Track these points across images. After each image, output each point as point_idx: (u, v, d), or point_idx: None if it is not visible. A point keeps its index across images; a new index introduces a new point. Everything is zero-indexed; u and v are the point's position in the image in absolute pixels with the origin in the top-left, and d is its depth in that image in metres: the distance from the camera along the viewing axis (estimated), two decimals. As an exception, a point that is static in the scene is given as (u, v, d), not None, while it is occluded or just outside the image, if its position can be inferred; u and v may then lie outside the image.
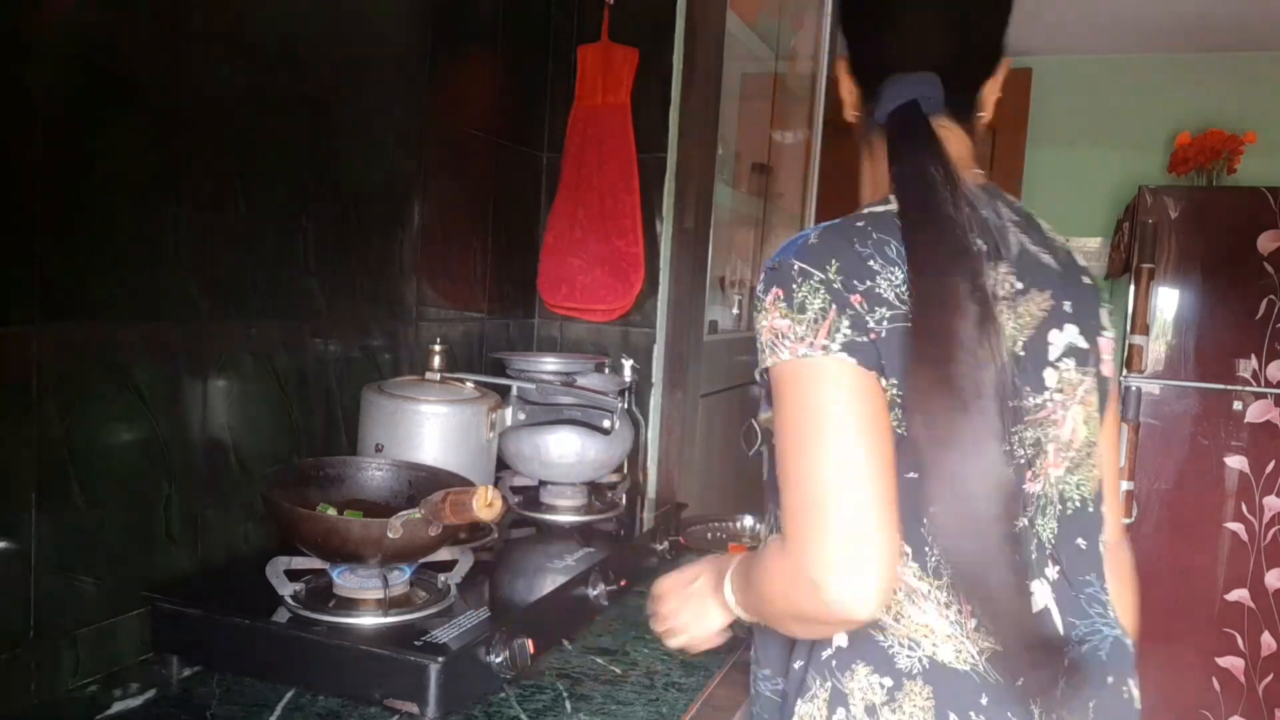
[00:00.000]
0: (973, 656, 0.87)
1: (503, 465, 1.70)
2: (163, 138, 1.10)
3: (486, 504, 1.04)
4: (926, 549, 0.87)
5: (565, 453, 1.61)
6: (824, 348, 0.84)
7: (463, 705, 1.04)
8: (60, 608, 1.03)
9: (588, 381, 1.65)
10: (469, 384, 1.42)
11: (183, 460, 1.16)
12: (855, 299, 0.86)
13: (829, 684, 0.90)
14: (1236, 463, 3.02)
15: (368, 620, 1.08)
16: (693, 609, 1.02)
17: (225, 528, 1.24)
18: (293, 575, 1.15)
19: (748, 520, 1.91)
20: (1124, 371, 3.07)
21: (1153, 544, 3.09)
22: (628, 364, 1.82)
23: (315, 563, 1.16)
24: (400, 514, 1.07)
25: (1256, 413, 3.00)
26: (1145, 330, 3.04)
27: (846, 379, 0.83)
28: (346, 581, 1.14)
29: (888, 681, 0.87)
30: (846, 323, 0.85)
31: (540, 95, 1.93)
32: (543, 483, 1.67)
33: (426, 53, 1.57)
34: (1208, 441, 3.04)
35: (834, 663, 0.90)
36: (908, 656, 0.88)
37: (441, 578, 1.20)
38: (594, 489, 1.72)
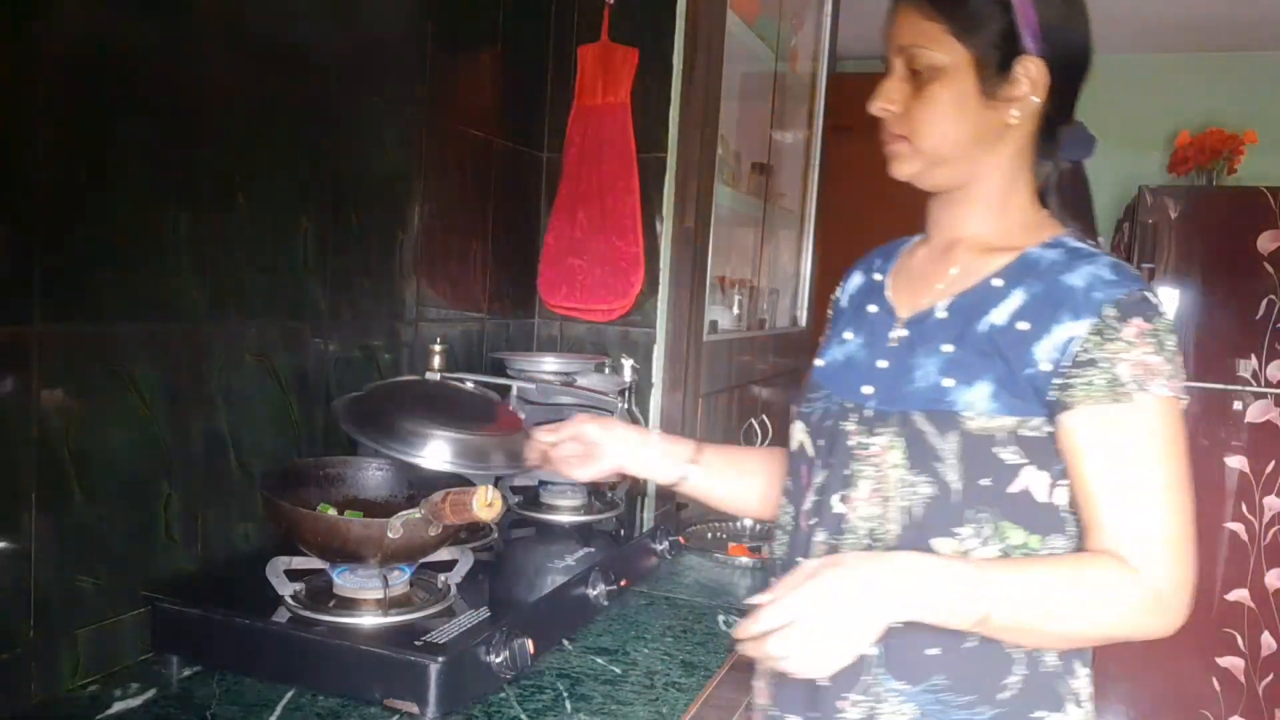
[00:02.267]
0: None
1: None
2: (163, 138, 1.10)
3: (486, 504, 1.04)
4: None
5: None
6: (1182, 391, 0.91)
7: (463, 705, 1.04)
8: (60, 608, 1.03)
9: (588, 381, 1.65)
10: (469, 384, 1.42)
11: (183, 460, 1.16)
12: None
13: (1065, 689, 0.94)
14: (1236, 463, 3.02)
15: (368, 620, 1.08)
16: (853, 622, 0.84)
17: (225, 528, 1.24)
18: (293, 575, 1.15)
19: (747, 520, 1.91)
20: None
21: (1153, 544, 3.09)
22: (628, 364, 1.82)
23: (315, 563, 1.16)
24: (400, 514, 1.07)
25: (1256, 413, 3.00)
26: (1145, 330, 3.03)
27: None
28: (346, 581, 1.14)
29: (1089, 670, 0.96)
30: (1180, 361, 0.91)
31: (540, 95, 1.93)
32: (543, 483, 1.67)
33: (426, 53, 1.57)
34: (1208, 441, 3.04)
35: (1058, 664, 0.93)
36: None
37: (441, 578, 1.20)
38: (594, 489, 1.72)
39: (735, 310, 2.35)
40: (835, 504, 0.98)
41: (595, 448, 1.19)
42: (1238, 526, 3.02)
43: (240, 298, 1.24)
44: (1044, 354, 0.91)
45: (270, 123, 1.26)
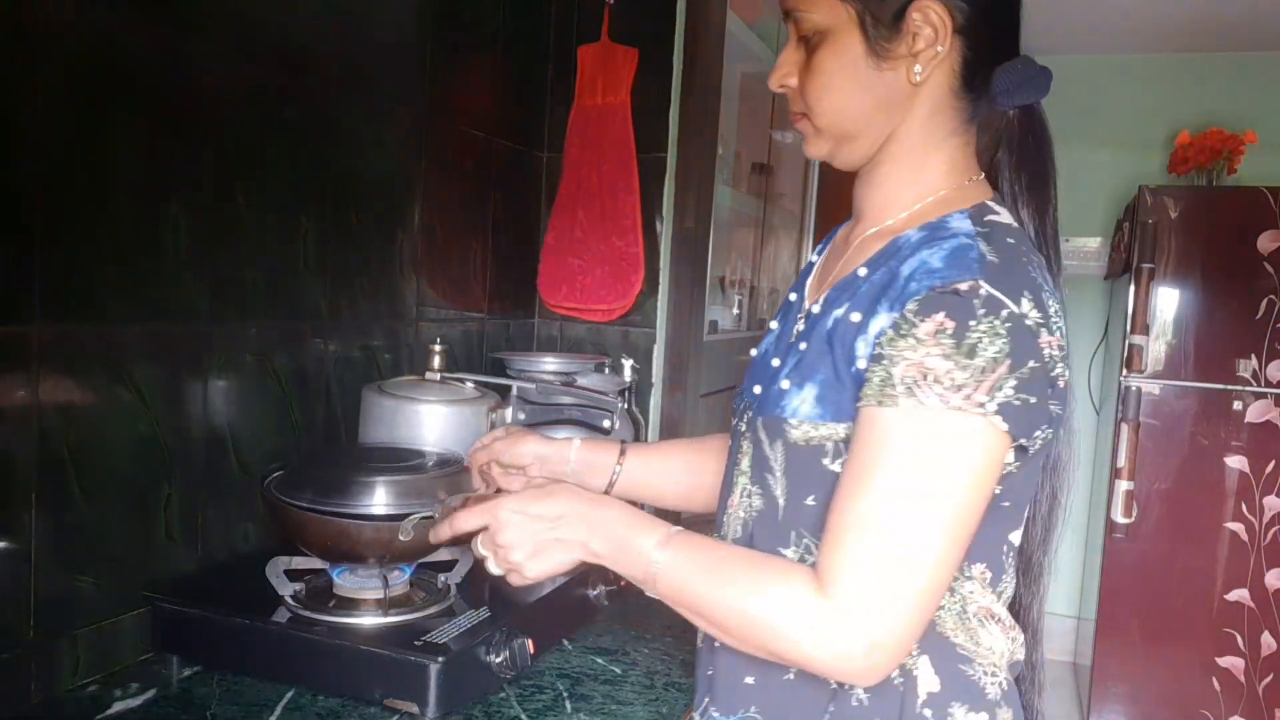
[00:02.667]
0: (1010, 667, 0.87)
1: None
2: (163, 137, 1.10)
3: None
4: (1004, 575, 0.85)
5: (565, 453, 1.60)
6: (980, 405, 0.72)
7: (463, 705, 1.04)
8: (60, 608, 1.03)
9: (587, 381, 1.65)
10: (469, 384, 1.42)
11: (183, 460, 1.16)
12: (1045, 343, 0.75)
13: None
14: (1236, 463, 3.02)
15: (368, 620, 1.08)
16: (551, 552, 0.85)
17: (225, 528, 1.24)
18: (293, 575, 1.15)
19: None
20: (1124, 371, 3.07)
21: (1153, 544, 3.09)
22: (628, 364, 1.82)
23: (315, 563, 1.17)
24: (412, 516, 1.06)
25: (1256, 413, 3.00)
26: (1145, 330, 3.04)
27: (991, 449, 0.73)
28: (346, 581, 1.14)
29: (984, 716, 0.81)
30: (1014, 381, 0.72)
31: (540, 95, 1.93)
32: (543, 483, 1.67)
33: (426, 53, 1.57)
34: (1208, 441, 3.04)
35: (928, 712, 0.80)
36: (992, 683, 0.83)
37: (441, 578, 1.20)
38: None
39: (735, 310, 2.35)
40: (725, 506, 0.94)
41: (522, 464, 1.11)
42: (1238, 526, 3.03)
43: (240, 298, 1.24)
44: (862, 349, 0.79)
45: (270, 123, 1.26)
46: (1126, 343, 3.06)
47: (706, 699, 0.92)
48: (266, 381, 1.29)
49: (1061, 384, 0.77)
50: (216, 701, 1.02)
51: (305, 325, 1.36)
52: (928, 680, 0.81)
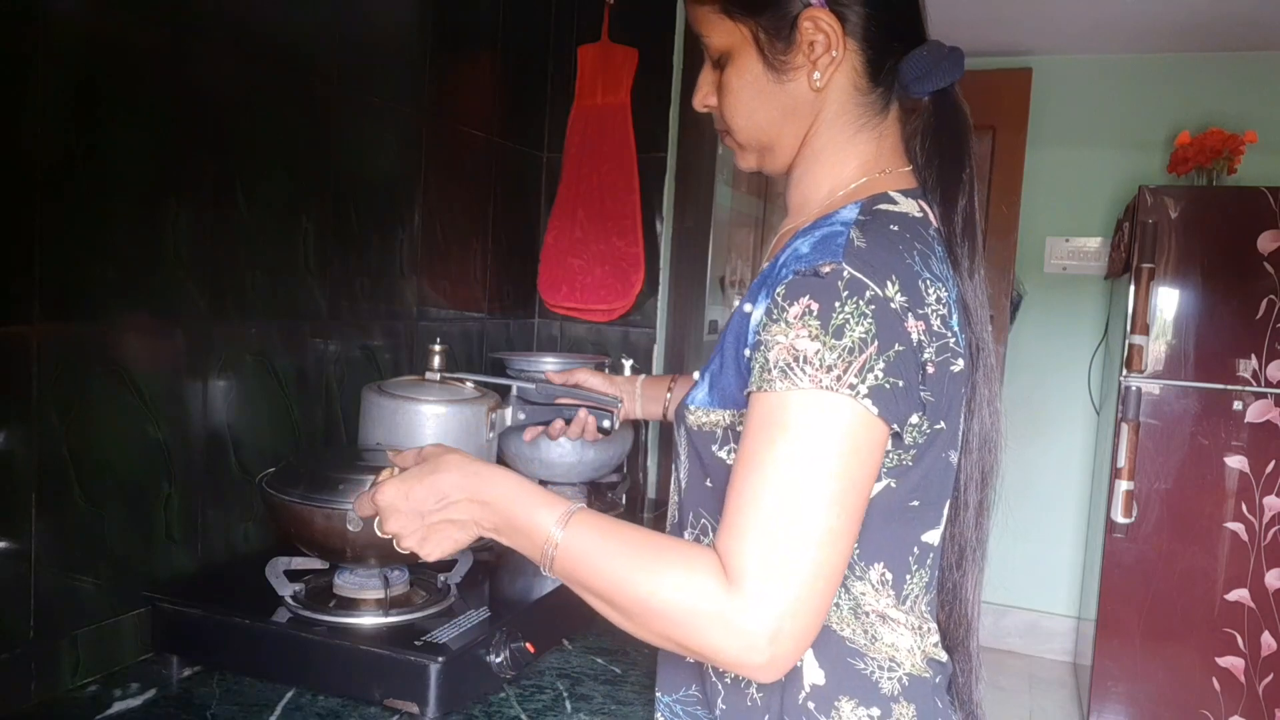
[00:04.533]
0: (925, 664, 0.85)
1: (500, 463, 1.70)
2: (163, 137, 1.10)
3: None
4: (908, 576, 0.83)
5: (565, 453, 1.61)
6: (851, 387, 0.72)
7: (463, 705, 1.04)
8: (60, 608, 1.03)
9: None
10: (469, 384, 1.42)
11: (183, 460, 1.16)
12: (912, 328, 0.75)
13: None
14: (1236, 463, 3.02)
15: (368, 620, 1.08)
16: (445, 533, 0.84)
17: (225, 528, 1.24)
18: (293, 575, 1.15)
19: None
20: (1124, 371, 3.07)
21: (1153, 544, 3.09)
22: (628, 364, 1.82)
23: (315, 563, 1.17)
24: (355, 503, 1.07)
25: (1256, 413, 3.00)
26: (1145, 330, 3.04)
27: (864, 431, 0.73)
28: (346, 581, 1.14)
29: (875, 712, 0.81)
30: (882, 364, 0.73)
31: (540, 95, 1.93)
32: (543, 482, 1.67)
33: (426, 53, 1.57)
34: (1208, 441, 3.04)
35: (812, 705, 0.81)
36: (889, 679, 0.82)
37: (441, 578, 1.20)
38: (594, 489, 1.72)
39: (735, 310, 2.35)
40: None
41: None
42: (1238, 526, 3.03)
43: (240, 298, 1.24)
44: (748, 339, 0.81)
45: (271, 123, 1.26)
46: (1126, 343, 3.06)
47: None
48: (266, 381, 1.29)
49: (934, 369, 0.77)
50: (216, 701, 1.02)
51: (305, 325, 1.36)
52: (812, 673, 0.81)
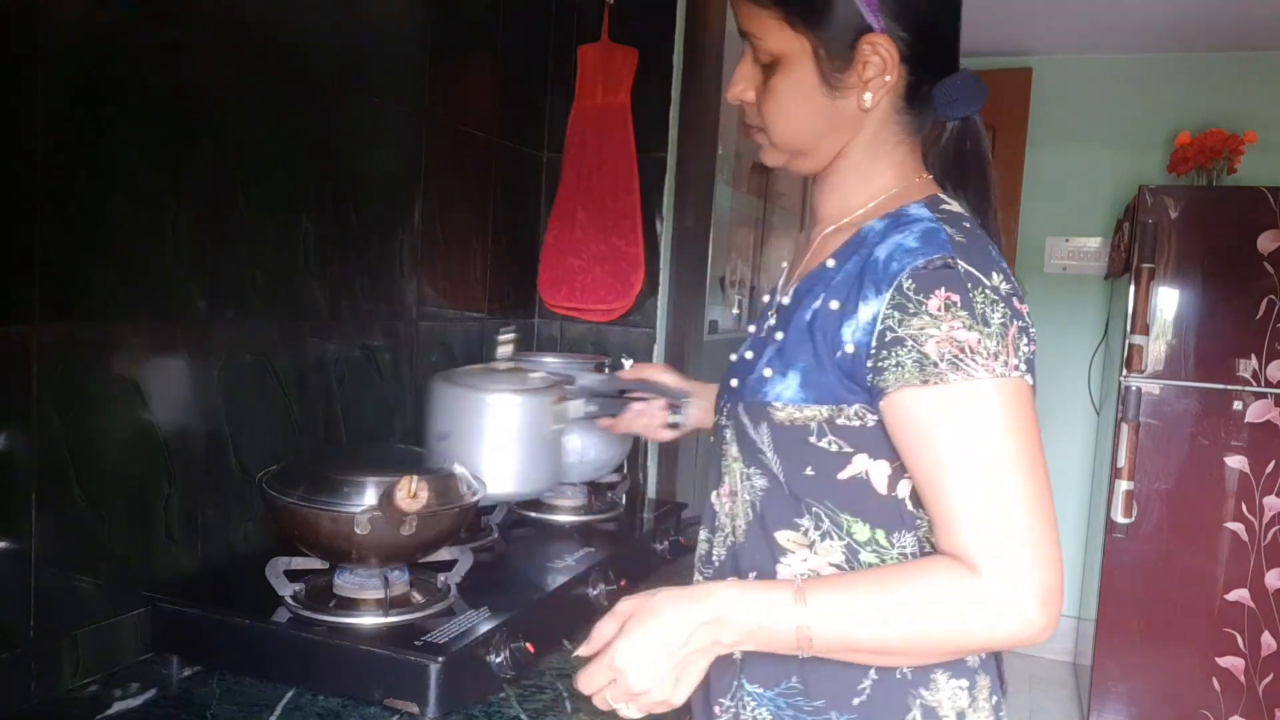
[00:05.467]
0: None
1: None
2: (163, 137, 1.10)
3: (410, 495, 1.05)
4: None
5: (565, 453, 1.61)
6: (1016, 368, 0.78)
7: (463, 705, 1.04)
8: (60, 608, 1.03)
9: (587, 381, 1.65)
10: (538, 373, 1.41)
11: (183, 460, 1.16)
12: (1022, 310, 0.81)
13: (916, 701, 0.85)
14: (1236, 463, 3.02)
15: (368, 620, 1.08)
16: (693, 667, 0.82)
17: (225, 528, 1.24)
18: (293, 575, 1.15)
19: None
20: (1124, 371, 3.07)
21: (1153, 544, 3.09)
22: (628, 364, 1.82)
23: (315, 563, 1.16)
24: (367, 508, 1.08)
25: (1256, 413, 3.00)
26: (1145, 330, 3.04)
27: (1030, 403, 0.79)
28: (346, 581, 1.14)
29: (964, 683, 0.86)
30: (1024, 340, 0.80)
31: (540, 95, 1.93)
32: (543, 483, 1.67)
33: (426, 53, 1.57)
34: (1208, 441, 3.04)
35: (910, 675, 0.85)
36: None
37: (441, 578, 1.20)
38: (594, 489, 1.72)
39: (735, 310, 2.35)
40: (712, 499, 0.99)
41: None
42: (1238, 526, 3.02)
43: (240, 298, 1.23)
44: (850, 335, 0.82)
45: (270, 122, 1.26)
46: (1126, 343, 3.06)
47: (735, 680, 0.91)
48: (266, 381, 1.29)
49: (1034, 349, 0.83)
50: (216, 701, 1.02)
51: (305, 325, 1.36)
52: None
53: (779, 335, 0.90)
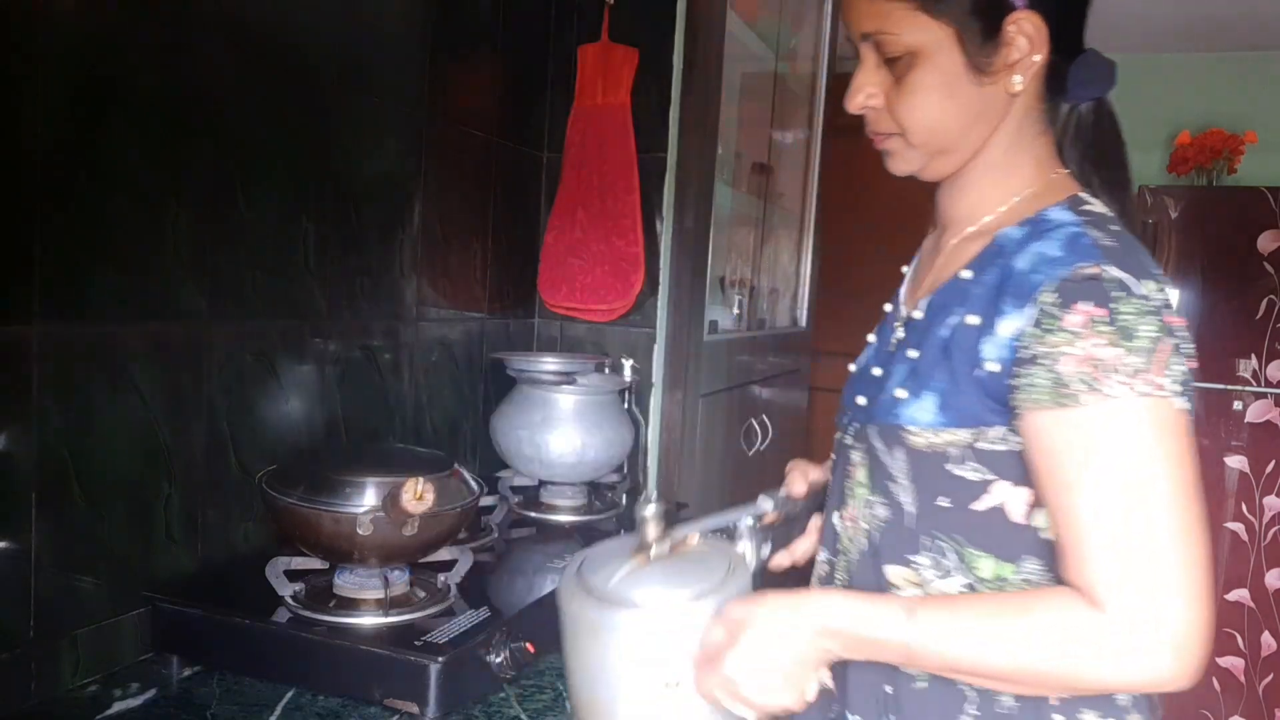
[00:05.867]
0: None
1: (502, 465, 1.70)
2: (163, 138, 1.10)
3: (416, 497, 1.05)
4: None
5: (565, 453, 1.61)
6: (1159, 388, 0.72)
7: (463, 705, 1.04)
8: (60, 608, 1.03)
9: (587, 381, 1.65)
10: (695, 538, 0.93)
11: (183, 460, 1.16)
12: (1174, 321, 0.74)
13: None
14: (1236, 463, 3.02)
15: (368, 620, 1.08)
16: (802, 678, 0.80)
17: (225, 528, 1.24)
18: (293, 575, 1.15)
19: (747, 520, 1.90)
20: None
21: (1153, 544, 3.09)
22: (628, 364, 1.82)
23: (315, 563, 1.17)
24: (369, 509, 1.08)
25: (1256, 413, 3.00)
26: (1145, 330, 3.03)
27: (1178, 426, 0.72)
28: (346, 581, 1.14)
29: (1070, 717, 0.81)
30: (1176, 358, 0.73)
31: (540, 95, 1.93)
32: (543, 483, 1.67)
33: (426, 53, 1.57)
34: (1208, 441, 3.04)
35: (1060, 717, 0.80)
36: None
37: (441, 578, 1.20)
38: (594, 489, 1.72)
39: (735, 310, 2.35)
40: (834, 519, 0.94)
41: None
42: (1238, 526, 3.02)
43: (240, 298, 1.23)
44: (991, 352, 0.78)
45: (270, 122, 1.26)
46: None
47: (838, 704, 0.91)
48: (267, 381, 1.29)
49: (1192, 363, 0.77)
50: (216, 701, 1.02)
51: (305, 325, 1.36)
52: None
53: (912, 353, 0.85)
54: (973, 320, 0.80)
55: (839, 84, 2.77)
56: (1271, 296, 2.95)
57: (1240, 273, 2.97)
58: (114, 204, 1.05)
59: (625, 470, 1.81)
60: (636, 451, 1.87)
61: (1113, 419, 0.72)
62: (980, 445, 0.79)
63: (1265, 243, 2.95)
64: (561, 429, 1.61)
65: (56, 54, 0.97)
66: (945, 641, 0.75)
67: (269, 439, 1.30)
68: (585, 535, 1.54)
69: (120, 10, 1.04)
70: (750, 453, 2.31)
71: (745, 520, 1.00)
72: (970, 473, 0.80)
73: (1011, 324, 0.76)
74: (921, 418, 0.82)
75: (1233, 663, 3.03)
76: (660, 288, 1.89)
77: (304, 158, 1.33)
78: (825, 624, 0.78)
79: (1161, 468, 0.71)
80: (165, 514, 1.15)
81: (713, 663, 0.79)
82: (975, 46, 0.81)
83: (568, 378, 1.64)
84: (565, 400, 1.62)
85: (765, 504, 1.01)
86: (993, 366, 0.77)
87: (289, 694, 1.04)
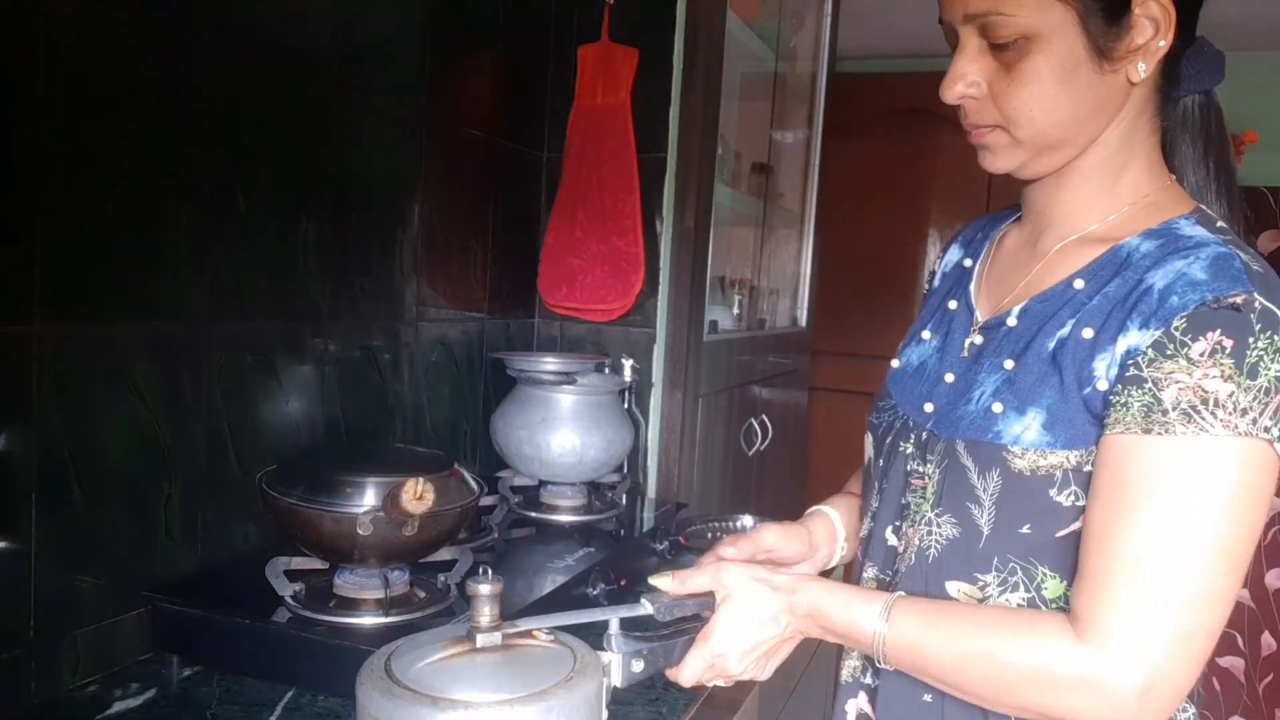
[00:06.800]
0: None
1: (502, 465, 1.71)
2: (163, 138, 1.10)
3: (416, 497, 1.05)
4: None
5: (565, 453, 1.61)
6: (1266, 430, 0.67)
7: (463, 705, 1.04)
8: (60, 608, 1.03)
9: (587, 381, 1.66)
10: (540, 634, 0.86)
11: (183, 460, 1.16)
12: None
13: None
14: (1236, 463, 3.02)
15: (368, 620, 1.08)
16: (772, 660, 0.87)
17: (225, 528, 1.24)
18: (293, 575, 1.15)
19: (747, 520, 1.90)
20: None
21: (1153, 544, 3.09)
22: (628, 364, 1.82)
23: (315, 563, 1.17)
24: (371, 510, 1.08)
25: (1256, 413, 3.00)
26: (1145, 330, 3.03)
27: (1269, 478, 0.68)
28: (346, 581, 1.14)
29: None
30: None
31: (540, 95, 1.93)
32: (543, 483, 1.67)
33: (426, 53, 1.57)
34: (1208, 441, 3.03)
35: None
36: (1182, 715, 0.81)
37: (441, 578, 1.20)
38: (594, 489, 1.72)
39: (735, 310, 2.35)
40: (888, 535, 0.88)
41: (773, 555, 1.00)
42: (1238, 526, 3.02)
43: (240, 298, 1.24)
44: (1103, 369, 0.73)
45: (271, 122, 1.26)
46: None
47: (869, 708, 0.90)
48: (267, 381, 1.29)
49: None
50: (216, 701, 1.02)
51: (305, 325, 1.36)
52: None
53: (1008, 364, 0.80)
54: (1087, 334, 0.75)
55: (839, 84, 2.77)
56: (1271, 296, 2.95)
57: (1240, 273, 2.97)
58: (114, 204, 1.05)
59: (625, 470, 1.81)
60: (636, 451, 1.87)
61: (1204, 455, 0.67)
62: (1086, 469, 0.74)
63: (1265, 243, 2.95)
64: (561, 429, 1.61)
65: (57, 54, 0.97)
66: (916, 648, 0.76)
67: (269, 439, 1.30)
68: (585, 535, 1.54)
69: (120, 10, 1.04)
70: (750, 453, 2.31)
71: (614, 623, 0.85)
72: (1067, 499, 0.75)
73: (1129, 341, 0.72)
74: (1026, 437, 0.76)
75: (1233, 662, 3.03)
76: (660, 288, 1.89)
77: (304, 158, 1.33)
78: (810, 609, 0.81)
79: (1228, 513, 0.67)
80: (165, 514, 1.15)
81: (700, 644, 0.84)
82: (1100, 29, 0.74)
83: (568, 378, 1.64)
84: (565, 400, 1.62)
85: (644, 607, 0.87)
86: (1102, 385, 0.73)
87: (289, 694, 1.04)
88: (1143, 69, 0.76)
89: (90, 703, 1.01)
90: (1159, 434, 0.68)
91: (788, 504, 2.66)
